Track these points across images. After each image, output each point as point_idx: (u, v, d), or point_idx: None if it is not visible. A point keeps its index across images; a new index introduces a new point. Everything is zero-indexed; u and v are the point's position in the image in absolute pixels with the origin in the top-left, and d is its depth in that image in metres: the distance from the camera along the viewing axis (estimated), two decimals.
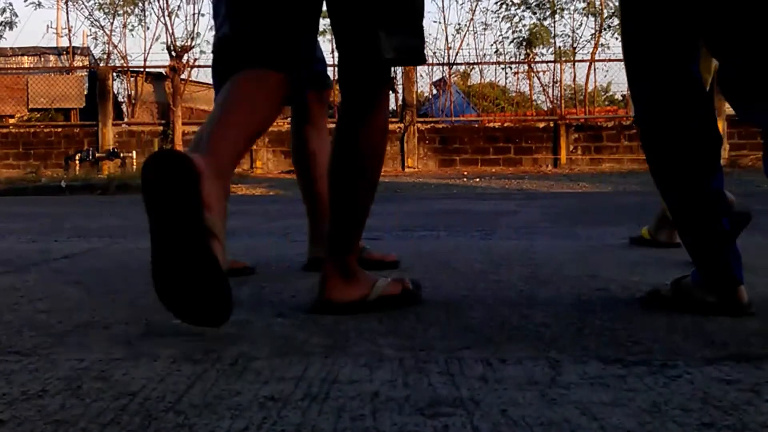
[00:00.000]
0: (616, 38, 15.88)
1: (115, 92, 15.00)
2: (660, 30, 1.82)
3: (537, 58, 15.57)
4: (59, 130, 14.12)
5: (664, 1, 1.80)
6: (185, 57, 14.19)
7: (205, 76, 15.82)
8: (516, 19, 15.89)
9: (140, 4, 15.64)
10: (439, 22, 22.27)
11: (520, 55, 15.70)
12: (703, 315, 1.79)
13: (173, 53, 14.02)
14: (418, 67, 14.46)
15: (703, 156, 1.84)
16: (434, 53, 15.23)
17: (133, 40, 60.94)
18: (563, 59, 15.33)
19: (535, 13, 15.93)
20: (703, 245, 1.89)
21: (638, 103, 1.93)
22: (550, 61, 15.18)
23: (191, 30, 14.79)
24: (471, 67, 15.65)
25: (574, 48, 15.96)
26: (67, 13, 24.33)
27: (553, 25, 15.91)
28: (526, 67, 15.36)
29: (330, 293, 1.86)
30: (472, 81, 16.44)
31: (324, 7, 2.00)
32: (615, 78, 21.77)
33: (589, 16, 15.97)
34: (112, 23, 15.65)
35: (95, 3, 15.64)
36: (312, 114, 2.63)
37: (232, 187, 10.39)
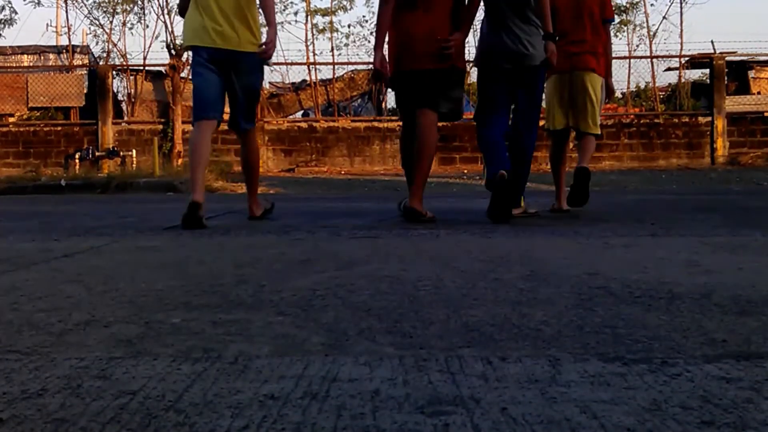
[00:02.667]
0: (617, 37, 15.88)
1: (115, 91, 14.99)
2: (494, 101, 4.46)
3: None
4: (59, 128, 14.12)
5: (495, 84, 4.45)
6: (185, 55, 14.18)
7: None
8: None
9: (140, 3, 15.64)
10: None
11: None
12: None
13: (173, 51, 14.01)
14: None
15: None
16: None
17: (132, 39, 61.08)
18: None
19: None
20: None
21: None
22: None
23: None
24: (471, 65, 15.65)
25: None
26: (67, 11, 24.34)
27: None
28: None
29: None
30: (471, 80, 16.44)
31: None
32: (615, 76, 21.75)
33: None
34: (111, 21, 15.66)
35: (95, 1, 15.65)
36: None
37: (232, 186, 10.40)
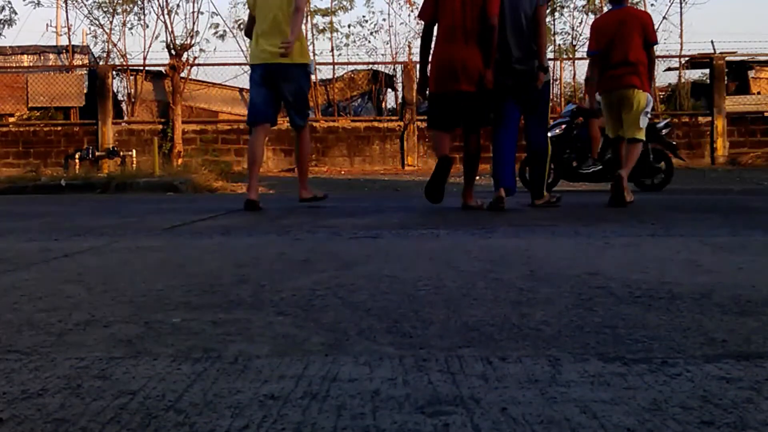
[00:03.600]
0: None
1: (115, 91, 14.99)
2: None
3: None
4: (59, 128, 14.12)
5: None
6: (185, 55, 14.19)
7: (205, 74, 15.84)
8: None
9: (139, 3, 15.65)
10: None
11: None
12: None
13: (173, 51, 14.02)
14: (419, 65, 14.49)
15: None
16: None
17: (132, 39, 61.12)
18: (563, 57, 15.32)
19: None
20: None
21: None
22: (550, 59, 15.15)
23: (191, 28, 14.76)
24: None
25: (574, 46, 15.96)
26: (67, 11, 24.32)
27: (552, 22, 15.90)
28: None
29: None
30: None
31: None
32: None
33: (590, 13, 15.96)
34: (111, 22, 15.66)
35: (95, 2, 15.66)
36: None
37: (232, 186, 10.40)
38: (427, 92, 5.37)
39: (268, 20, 5.45)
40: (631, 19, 5.75)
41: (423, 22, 5.44)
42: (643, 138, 5.92)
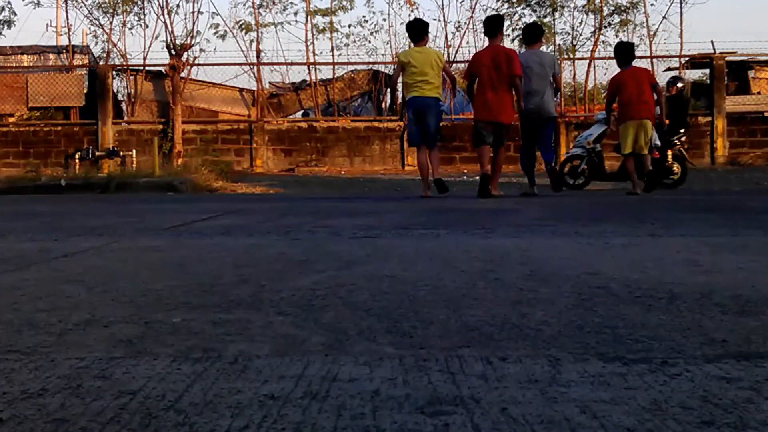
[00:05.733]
0: (617, 36, 15.86)
1: (115, 91, 15.00)
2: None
3: None
4: (59, 128, 14.13)
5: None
6: (185, 55, 14.20)
7: (205, 74, 15.83)
8: (516, 17, 15.89)
9: (139, 3, 15.64)
10: (439, 20, 22.20)
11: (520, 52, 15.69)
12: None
13: (173, 51, 14.03)
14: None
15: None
16: None
17: (132, 39, 61.08)
18: (563, 57, 15.32)
19: (535, 11, 15.93)
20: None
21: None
22: None
23: (191, 28, 14.76)
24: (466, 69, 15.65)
25: (574, 46, 15.96)
26: (67, 11, 24.29)
27: (552, 22, 15.90)
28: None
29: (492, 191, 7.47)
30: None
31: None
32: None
33: (589, 13, 15.97)
34: (111, 22, 15.66)
35: (95, 2, 15.66)
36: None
37: (232, 186, 10.36)
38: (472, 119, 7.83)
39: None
40: None
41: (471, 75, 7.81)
42: (647, 153, 8.10)
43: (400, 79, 8.08)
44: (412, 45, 8.05)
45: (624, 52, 8.20)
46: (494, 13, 15.69)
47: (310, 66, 15.17)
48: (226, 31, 15.90)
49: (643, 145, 7.93)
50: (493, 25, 7.72)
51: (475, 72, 7.64)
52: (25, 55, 15.27)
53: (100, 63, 15.17)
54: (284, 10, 16.32)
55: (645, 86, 7.94)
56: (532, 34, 8.19)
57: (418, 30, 7.66)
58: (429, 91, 7.38)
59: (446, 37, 16.60)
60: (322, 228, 4.07)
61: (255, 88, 15.06)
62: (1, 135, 14.06)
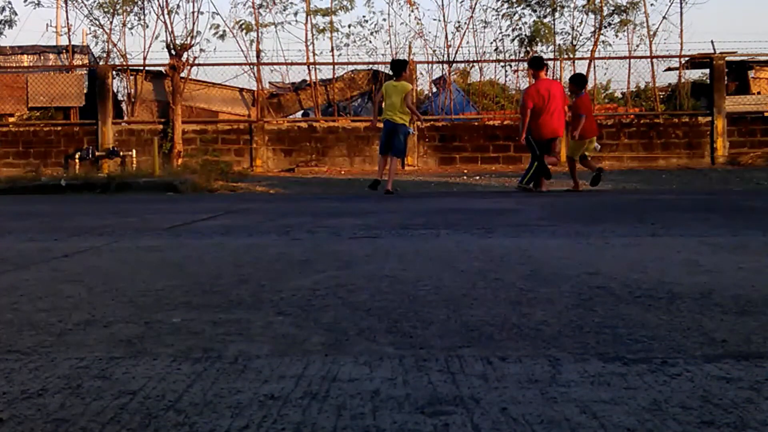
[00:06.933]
0: (617, 36, 15.86)
1: (115, 91, 14.98)
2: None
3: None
4: (59, 128, 14.12)
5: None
6: (185, 55, 14.18)
7: (205, 74, 15.83)
8: (516, 17, 15.89)
9: (139, 3, 15.63)
10: (439, 20, 22.19)
11: (520, 53, 15.70)
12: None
13: (173, 51, 14.01)
14: (418, 65, 14.47)
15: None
16: (434, 51, 15.25)
17: (132, 39, 60.99)
18: (563, 57, 15.32)
19: (535, 11, 15.92)
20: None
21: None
22: (550, 59, 15.16)
23: (191, 28, 14.74)
24: (471, 65, 15.66)
25: (574, 45, 15.95)
26: (67, 11, 24.28)
27: (553, 22, 15.90)
28: (526, 64, 15.33)
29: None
30: (471, 79, 16.44)
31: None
32: (615, 76, 21.82)
33: (589, 13, 15.96)
34: (111, 22, 15.64)
35: (95, 2, 15.64)
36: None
37: (232, 186, 10.35)
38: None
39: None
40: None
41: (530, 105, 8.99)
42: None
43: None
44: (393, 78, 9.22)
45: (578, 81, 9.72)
46: (494, 12, 15.73)
47: (310, 66, 15.16)
48: (226, 31, 15.89)
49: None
50: (399, 67, 9.04)
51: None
52: (25, 55, 15.26)
53: (100, 63, 15.16)
54: (284, 10, 16.29)
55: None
56: (396, 68, 9.20)
57: (397, 67, 9.22)
58: (397, 117, 8.96)
59: (446, 37, 16.58)
60: (322, 228, 4.07)
61: (255, 88, 15.05)
62: (1, 135, 14.04)
